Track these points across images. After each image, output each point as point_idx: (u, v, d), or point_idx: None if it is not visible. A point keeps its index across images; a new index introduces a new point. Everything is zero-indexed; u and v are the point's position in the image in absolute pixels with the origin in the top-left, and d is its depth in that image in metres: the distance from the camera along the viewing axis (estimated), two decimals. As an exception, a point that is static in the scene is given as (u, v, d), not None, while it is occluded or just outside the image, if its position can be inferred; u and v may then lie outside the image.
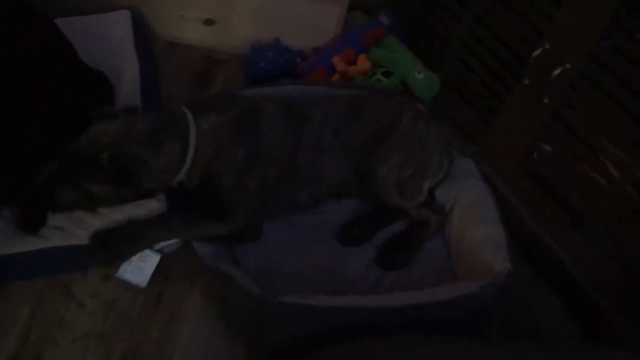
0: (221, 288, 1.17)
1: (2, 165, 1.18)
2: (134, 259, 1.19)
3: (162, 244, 1.22)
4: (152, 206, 1.25)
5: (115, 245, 1.15)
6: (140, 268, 1.20)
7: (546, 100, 1.30)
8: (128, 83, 1.52)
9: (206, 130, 1.23)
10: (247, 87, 1.52)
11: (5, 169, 1.18)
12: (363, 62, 1.72)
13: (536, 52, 1.29)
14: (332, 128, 1.36)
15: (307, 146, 1.34)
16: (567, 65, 1.24)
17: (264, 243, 1.35)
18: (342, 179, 1.39)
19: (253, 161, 1.27)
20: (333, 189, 1.40)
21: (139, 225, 1.18)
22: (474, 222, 1.36)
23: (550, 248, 1.39)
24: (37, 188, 1.16)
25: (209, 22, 1.81)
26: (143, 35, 1.70)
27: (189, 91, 1.75)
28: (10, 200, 1.20)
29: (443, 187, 1.47)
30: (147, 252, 1.20)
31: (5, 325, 1.13)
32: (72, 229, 1.19)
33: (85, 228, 1.19)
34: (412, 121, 1.40)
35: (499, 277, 1.18)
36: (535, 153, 1.42)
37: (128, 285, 1.21)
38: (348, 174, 1.39)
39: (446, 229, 1.44)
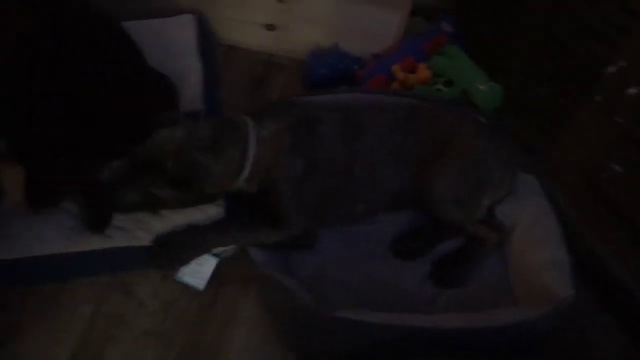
0: (273, 295, 1.18)
1: (73, 163, 1.23)
2: (193, 261, 1.22)
3: (220, 249, 1.24)
4: (211, 211, 1.27)
5: (176, 249, 1.19)
6: (198, 271, 1.23)
7: (619, 120, 1.24)
8: (191, 87, 1.55)
9: (265, 137, 1.24)
10: (305, 94, 1.51)
11: (75, 167, 1.23)
12: (423, 71, 1.69)
13: (611, 69, 1.23)
14: (389, 139, 1.35)
15: (364, 156, 1.33)
16: (645, 84, 1.18)
17: (318, 252, 1.35)
18: (398, 191, 1.37)
19: (310, 170, 1.27)
20: (389, 201, 1.39)
21: (198, 231, 1.21)
22: (536, 243, 1.31)
23: (613, 270, 1.33)
24: (104, 189, 1.20)
25: (270, 27, 1.82)
26: (206, 40, 1.72)
27: (248, 95, 1.77)
28: (78, 196, 1.25)
29: (504, 204, 1.43)
30: (205, 255, 1.23)
31: (68, 322, 1.18)
32: (133, 230, 1.22)
33: (146, 229, 1.22)
34: (472, 134, 1.37)
35: (561, 305, 1.14)
36: (603, 173, 1.36)
37: (186, 287, 1.23)
38: (405, 186, 1.37)
39: (506, 248, 1.40)
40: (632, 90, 1.19)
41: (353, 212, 1.37)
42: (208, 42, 1.73)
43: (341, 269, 1.33)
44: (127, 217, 1.23)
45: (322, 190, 1.29)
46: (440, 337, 1.09)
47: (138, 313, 1.21)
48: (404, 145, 1.36)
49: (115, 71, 1.29)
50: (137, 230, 1.22)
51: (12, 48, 1.14)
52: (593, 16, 1.32)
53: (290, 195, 1.25)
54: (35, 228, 1.18)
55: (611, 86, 1.25)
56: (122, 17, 1.63)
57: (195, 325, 1.21)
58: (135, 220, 1.23)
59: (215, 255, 1.24)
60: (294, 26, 1.82)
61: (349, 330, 1.09)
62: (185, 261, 1.20)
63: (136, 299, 1.23)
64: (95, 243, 1.19)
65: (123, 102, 1.30)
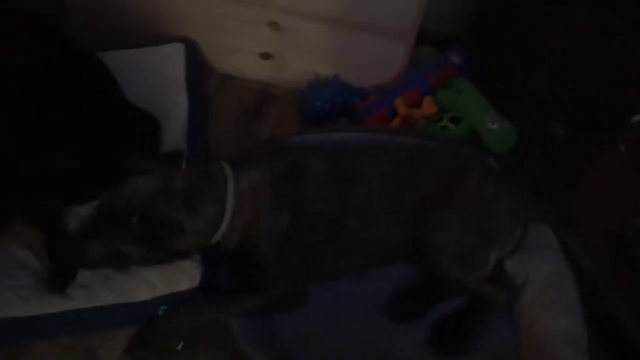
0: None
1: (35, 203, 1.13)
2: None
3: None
4: (187, 266, 1.16)
5: (153, 342, 1.11)
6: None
7: (647, 173, 1.09)
8: (176, 124, 1.45)
9: (245, 189, 1.12)
10: (298, 131, 1.39)
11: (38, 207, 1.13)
12: (428, 106, 1.56)
13: (637, 117, 1.08)
14: (385, 186, 1.21)
15: (357, 208, 1.19)
16: (677, 137, 1.03)
17: (304, 313, 1.21)
18: (395, 244, 1.23)
19: (296, 225, 1.14)
20: (385, 254, 1.25)
21: (171, 318, 1.12)
22: (550, 308, 1.17)
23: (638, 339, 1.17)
24: (69, 242, 1.10)
25: (265, 56, 1.71)
26: (196, 70, 1.62)
27: (240, 127, 1.65)
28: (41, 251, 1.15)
29: (514, 258, 1.29)
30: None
31: (25, 390, 1.07)
32: (97, 289, 1.12)
33: (112, 287, 1.12)
34: (480, 181, 1.22)
35: (577, 389, 0.99)
36: (627, 228, 1.21)
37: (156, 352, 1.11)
38: (402, 239, 1.23)
39: (515, 310, 1.25)
40: (661, 143, 1.04)
41: (344, 267, 1.24)
42: (198, 73, 1.63)
43: (329, 333, 1.19)
44: (92, 273, 1.13)
45: (309, 246, 1.17)
46: None
47: (101, 382, 1.09)
48: (403, 193, 1.22)
49: (85, 108, 1.19)
50: (101, 289, 1.11)
51: None
52: (624, 56, 1.17)
53: (271, 254, 1.13)
54: (-10, 288, 1.08)
55: (638, 136, 1.10)
56: (106, 46, 1.56)
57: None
58: (101, 277, 1.13)
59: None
60: (291, 55, 1.70)
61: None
62: (166, 352, 1.12)
63: (100, 365, 1.11)
64: (54, 305, 1.09)
65: (96, 141, 1.20)
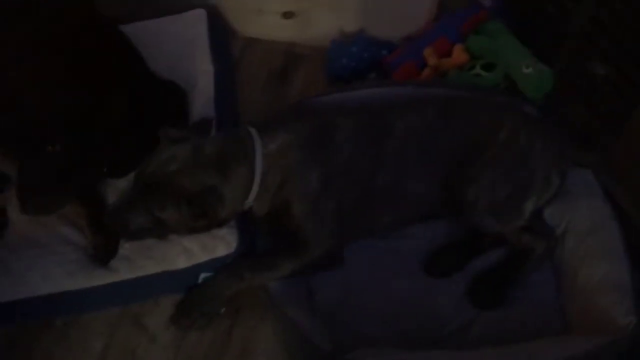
0: (290, 332, 1.07)
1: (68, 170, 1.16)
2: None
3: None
4: (225, 235, 1.18)
5: (195, 309, 1.14)
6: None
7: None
8: (202, 91, 1.44)
9: (274, 151, 1.12)
10: (327, 90, 1.36)
11: (70, 175, 1.16)
12: (459, 54, 1.50)
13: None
14: (416, 140, 1.18)
15: (389, 163, 1.18)
16: None
17: (342, 272, 1.22)
18: (429, 199, 1.22)
19: (328, 183, 1.14)
20: (419, 210, 1.24)
21: (212, 283, 1.15)
22: (592, 254, 1.14)
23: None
24: (110, 215, 1.13)
25: (288, 15, 1.67)
26: (219, 36, 1.61)
27: (268, 91, 1.64)
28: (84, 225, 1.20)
29: (554, 206, 1.25)
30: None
31: (79, 358, 1.13)
32: (138, 259, 1.16)
33: (151, 256, 1.16)
34: (513, 130, 1.18)
35: (620, 335, 0.97)
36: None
37: (200, 315, 1.15)
38: (437, 194, 1.21)
39: (556, 259, 1.22)
40: None
41: (379, 225, 1.24)
42: (221, 39, 1.61)
43: (367, 290, 1.20)
44: (133, 244, 1.17)
45: (343, 204, 1.17)
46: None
47: (150, 348, 1.15)
48: (435, 147, 1.19)
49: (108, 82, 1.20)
50: (143, 259, 1.15)
51: None
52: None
53: (306, 215, 1.13)
54: (40, 265, 1.14)
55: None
56: (130, 17, 1.56)
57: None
58: (141, 247, 1.16)
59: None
60: (314, 12, 1.65)
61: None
62: (207, 318, 1.15)
63: (147, 331, 1.16)
64: (100, 278, 1.14)
65: (124, 115, 1.22)
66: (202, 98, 1.44)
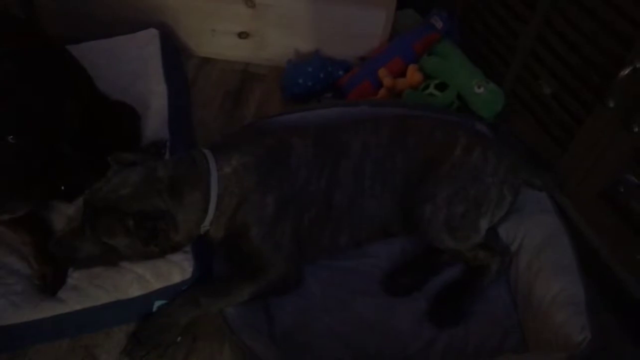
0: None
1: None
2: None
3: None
4: (179, 259, 1.14)
5: (150, 340, 1.09)
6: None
7: (636, 129, 1.07)
8: (156, 112, 1.42)
9: (229, 174, 1.10)
10: (277, 114, 1.35)
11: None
12: (413, 74, 1.53)
13: (624, 72, 1.05)
14: (372, 159, 1.20)
15: (345, 182, 1.18)
16: (666, 89, 1.00)
17: (301, 294, 1.20)
18: (386, 217, 1.23)
19: (284, 206, 1.13)
20: (376, 229, 1.24)
21: (167, 312, 1.11)
22: (546, 270, 1.16)
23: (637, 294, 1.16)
24: (57, 244, 1.08)
25: (242, 35, 1.66)
26: (173, 55, 1.58)
27: (223, 111, 1.62)
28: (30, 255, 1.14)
29: (508, 223, 1.28)
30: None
31: (25, 396, 1.07)
32: (88, 289, 1.10)
33: (101, 285, 1.11)
34: (467, 148, 1.21)
35: (576, 352, 0.99)
36: (620, 185, 1.19)
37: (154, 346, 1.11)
38: (393, 212, 1.22)
39: (511, 275, 1.25)
40: (650, 97, 1.01)
41: (337, 245, 1.23)
42: (175, 59, 1.59)
43: (327, 312, 1.19)
44: (82, 273, 1.12)
45: (300, 226, 1.16)
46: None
47: (102, 381, 1.09)
48: (390, 165, 1.21)
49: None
50: (93, 288, 1.10)
51: None
52: (607, 9, 1.12)
53: (262, 239, 1.12)
54: (-18, 296, 1.07)
55: (626, 91, 1.07)
56: (80, 37, 1.52)
57: (166, 391, 1.09)
58: (91, 276, 1.11)
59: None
60: (269, 32, 1.66)
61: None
62: (162, 347, 1.11)
63: (99, 364, 1.11)
64: (47, 310, 1.08)
65: (74, 126, 1.17)
66: (156, 120, 1.41)
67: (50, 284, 1.10)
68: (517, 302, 1.20)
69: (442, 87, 1.50)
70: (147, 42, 1.56)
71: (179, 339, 1.13)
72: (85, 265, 1.11)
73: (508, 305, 1.22)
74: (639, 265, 1.16)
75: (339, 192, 1.18)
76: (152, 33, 1.58)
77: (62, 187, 1.18)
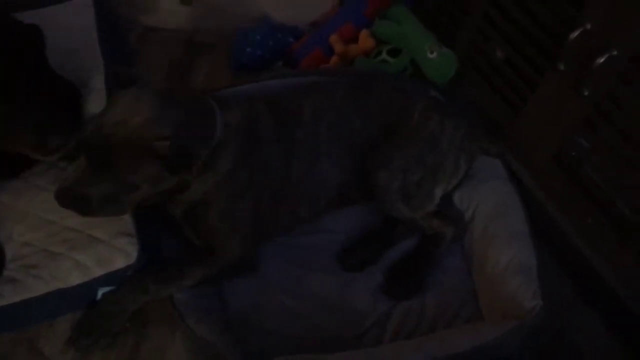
0: (199, 347, 1.01)
1: None
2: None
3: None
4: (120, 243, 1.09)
5: (96, 328, 1.04)
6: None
7: (586, 93, 1.05)
8: (94, 89, 1.32)
9: (230, 130, 1.04)
10: (227, 85, 1.28)
11: None
12: (365, 40, 1.47)
13: (574, 34, 1.03)
14: (326, 125, 1.15)
15: (301, 152, 1.13)
16: (614, 52, 0.98)
17: (256, 274, 1.17)
18: (343, 184, 1.19)
19: (250, 182, 1.07)
20: (334, 197, 1.20)
21: (113, 299, 1.05)
22: (499, 238, 1.16)
23: (592, 263, 1.17)
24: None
25: (185, 1, 1.57)
26: (110, 26, 1.48)
27: (170, 84, 1.54)
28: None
29: (462, 190, 1.27)
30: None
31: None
32: (25, 280, 1.04)
33: (39, 275, 1.05)
34: (424, 114, 1.18)
35: (527, 319, 0.99)
36: (572, 149, 1.18)
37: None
38: (350, 178, 1.19)
39: (465, 243, 1.24)
40: (600, 60, 0.99)
41: (296, 219, 1.19)
42: (113, 29, 1.48)
43: (283, 292, 1.16)
44: (16, 265, 1.06)
45: (260, 204, 1.11)
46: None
47: (46, 374, 1.05)
48: (346, 131, 1.16)
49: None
50: (30, 278, 1.04)
51: None
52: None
53: (222, 217, 1.06)
54: None
55: (576, 54, 1.04)
56: (9, 8, 1.40)
57: (114, 383, 1.05)
58: (27, 267, 1.05)
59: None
60: (214, -2, 1.57)
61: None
62: (108, 334, 1.06)
63: (43, 356, 1.05)
64: (-21, 304, 1.01)
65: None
66: (96, 97, 1.31)
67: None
68: (472, 270, 1.20)
69: (395, 52, 1.45)
70: (80, 12, 1.45)
71: (127, 325, 1.09)
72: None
73: (463, 273, 1.21)
74: (590, 230, 1.16)
75: (296, 162, 1.13)
76: (84, 1, 1.47)
77: None
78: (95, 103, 1.30)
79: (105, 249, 1.07)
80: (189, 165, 0.97)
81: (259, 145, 1.08)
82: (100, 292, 1.07)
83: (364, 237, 1.24)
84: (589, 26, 1.01)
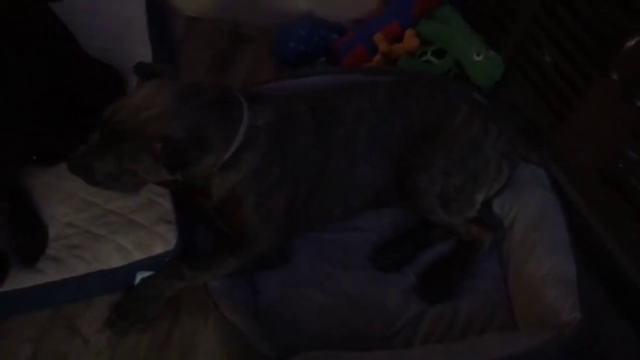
0: (230, 335, 1.02)
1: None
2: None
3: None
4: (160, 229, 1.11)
5: (133, 312, 1.07)
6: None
7: (638, 104, 1.02)
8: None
9: (258, 129, 1.03)
10: (267, 80, 1.28)
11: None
12: (410, 39, 1.46)
13: (630, 42, 1.00)
14: (367, 126, 1.14)
15: (339, 151, 1.13)
16: (673, 63, 0.95)
17: (288, 268, 1.18)
18: (380, 187, 1.18)
19: (285, 177, 1.07)
20: (370, 199, 1.19)
21: (151, 284, 1.07)
22: (539, 246, 1.13)
23: (633, 278, 1.14)
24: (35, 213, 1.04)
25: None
26: (158, 14, 1.50)
27: (212, 75, 1.56)
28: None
29: (503, 197, 1.24)
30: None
31: (6, 365, 1.05)
32: (67, 259, 1.07)
33: (81, 255, 1.08)
34: (467, 118, 1.16)
35: (566, 331, 0.97)
36: (619, 161, 1.15)
37: (137, 317, 1.09)
38: (387, 181, 1.18)
39: (504, 250, 1.22)
40: (656, 70, 0.96)
41: (329, 216, 1.19)
42: (161, 18, 1.51)
43: (314, 287, 1.16)
44: (60, 244, 1.09)
45: (295, 199, 1.11)
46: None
47: (82, 353, 1.07)
48: (385, 132, 1.15)
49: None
50: (72, 258, 1.07)
51: None
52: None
53: (256, 208, 1.06)
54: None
55: (631, 63, 1.01)
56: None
57: (147, 364, 1.07)
58: (70, 246, 1.08)
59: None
60: (260, -8, 1.58)
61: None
62: (146, 319, 1.08)
63: (80, 336, 1.09)
64: (24, 280, 1.05)
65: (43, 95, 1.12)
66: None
67: (27, 255, 1.07)
68: (508, 278, 1.18)
69: (439, 53, 1.43)
70: (131, 1, 1.48)
71: (162, 310, 1.11)
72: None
73: (498, 279, 1.20)
74: (635, 245, 1.13)
75: (333, 161, 1.12)
76: (136, -10, 1.50)
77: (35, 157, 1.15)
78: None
79: (146, 234, 1.10)
80: (185, 167, 0.97)
81: (293, 144, 1.08)
82: (139, 277, 1.09)
83: (398, 237, 1.23)
84: (646, 35, 0.98)
